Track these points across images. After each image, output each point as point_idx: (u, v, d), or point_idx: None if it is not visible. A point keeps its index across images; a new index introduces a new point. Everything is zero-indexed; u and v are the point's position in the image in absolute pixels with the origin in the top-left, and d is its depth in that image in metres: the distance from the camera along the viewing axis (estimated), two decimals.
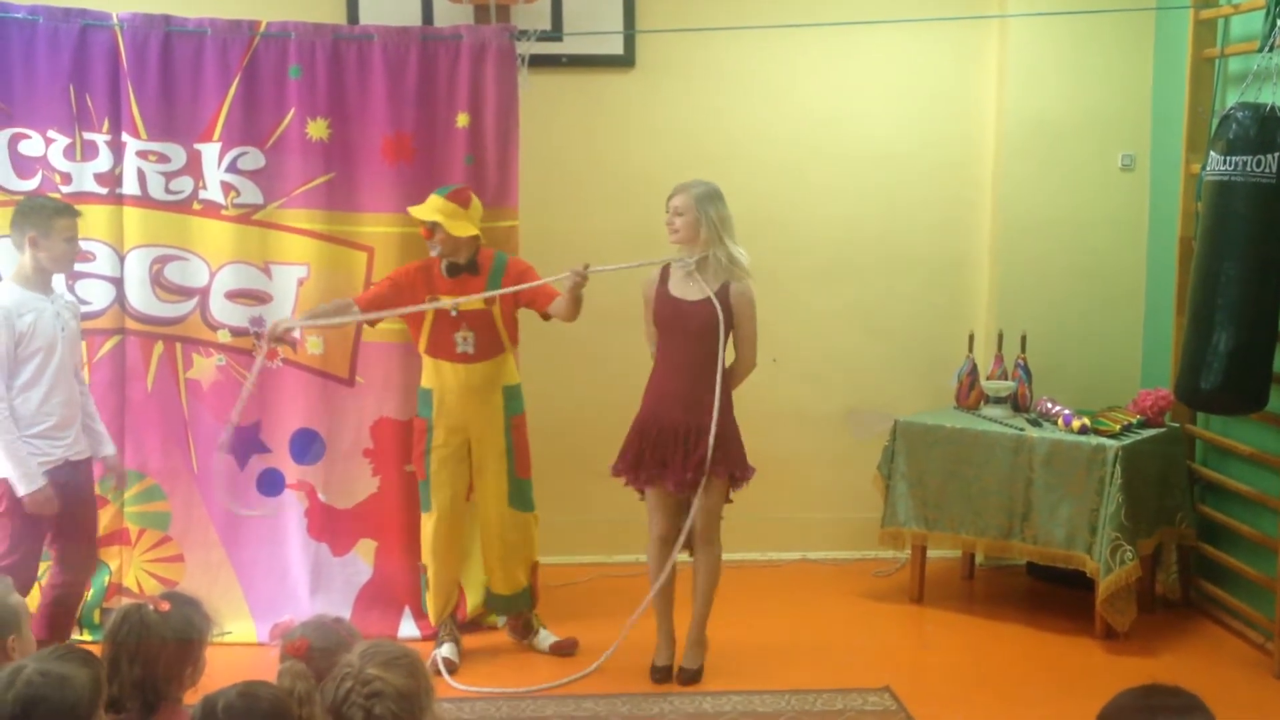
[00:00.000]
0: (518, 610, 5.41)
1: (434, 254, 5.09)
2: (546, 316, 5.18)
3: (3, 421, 4.44)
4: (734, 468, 4.99)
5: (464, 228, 5.01)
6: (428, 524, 5.24)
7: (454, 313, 5.08)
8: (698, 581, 5.10)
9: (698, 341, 4.90)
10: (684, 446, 4.91)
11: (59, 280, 4.93)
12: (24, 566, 4.54)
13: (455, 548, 5.33)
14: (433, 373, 5.19)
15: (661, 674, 5.05)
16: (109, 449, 4.92)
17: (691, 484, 4.90)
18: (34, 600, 4.72)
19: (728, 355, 4.96)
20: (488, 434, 5.19)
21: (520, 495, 5.28)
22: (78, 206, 4.81)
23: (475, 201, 5.11)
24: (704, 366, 4.91)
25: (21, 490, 4.47)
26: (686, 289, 4.94)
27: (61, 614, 4.68)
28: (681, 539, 4.96)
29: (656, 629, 5.13)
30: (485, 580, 5.45)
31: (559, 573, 6.16)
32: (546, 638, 5.41)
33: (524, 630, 5.45)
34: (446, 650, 5.18)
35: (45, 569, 4.78)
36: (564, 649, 5.35)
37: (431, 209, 5.02)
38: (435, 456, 5.18)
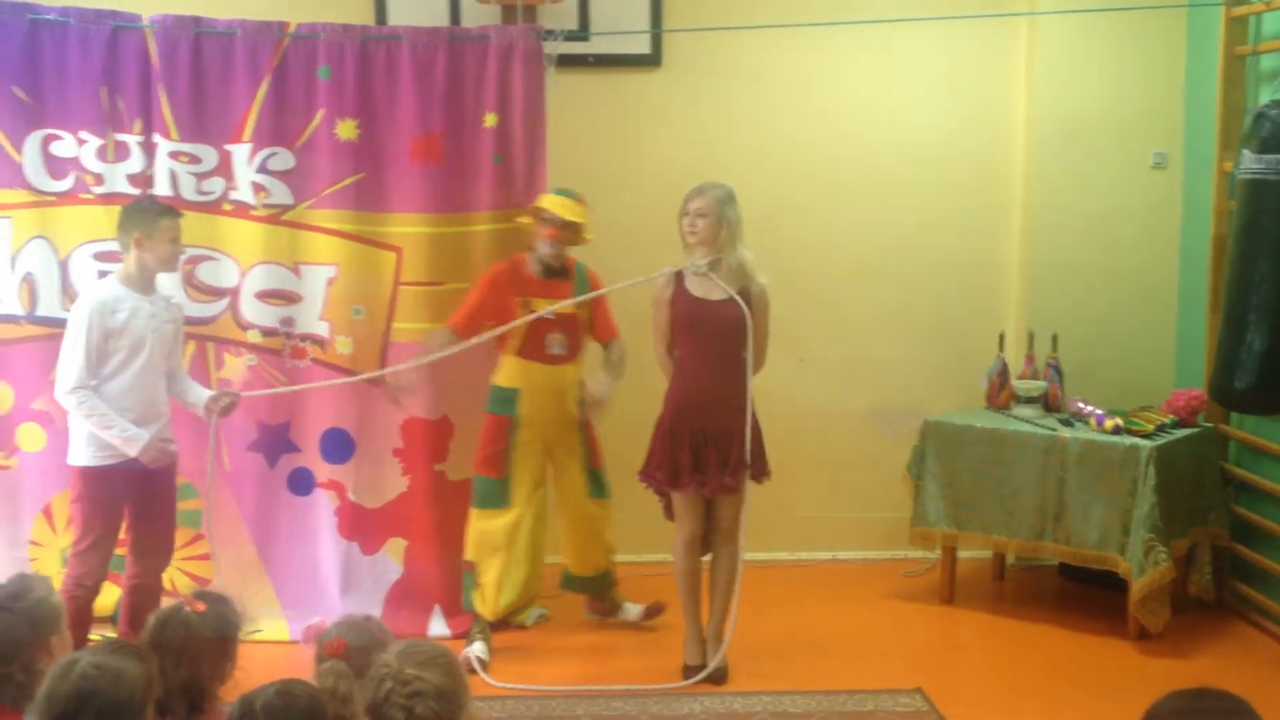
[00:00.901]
0: (600, 591, 5.58)
1: (546, 253, 5.20)
2: (602, 344, 5.43)
3: (90, 402, 4.53)
4: (761, 469, 5.02)
5: (588, 231, 5.20)
6: (495, 520, 5.26)
7: (551, 316, 5.15)
8: (718, 580, 5.10)
9: (725, 342, 4.91)
10: (718, 449, 4.91)
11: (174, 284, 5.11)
12: (98, 553, 4.65)
13: (534, 542, 5.37)
14: (521, 373, 5.26)
15: (693, 672, 5.04)
16: (207, 391, 5.00)
17: (730, 487, 4.91)
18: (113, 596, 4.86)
19: None
20: (566, 432, 5.30)
21: (597, 484, 5.44)
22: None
23: None
24: (731, 366, 4.92)
25: (133, 452, 4.57)
26: (707, 290, 4.93)
27: (139, 607, 4.68)
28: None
29: (685, 629, 5.13)
30: (565, 565, 5.61)
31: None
32: (632, 609, 5.60)
33: (609, 609, 5.61)
34: (478, 649, 5.18)
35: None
36: (653, 613, 5.56)
37: (572, 210, 5.12)
38: (519, 454, 5.26)
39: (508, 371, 5.29)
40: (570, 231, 5.18)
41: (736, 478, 4.92)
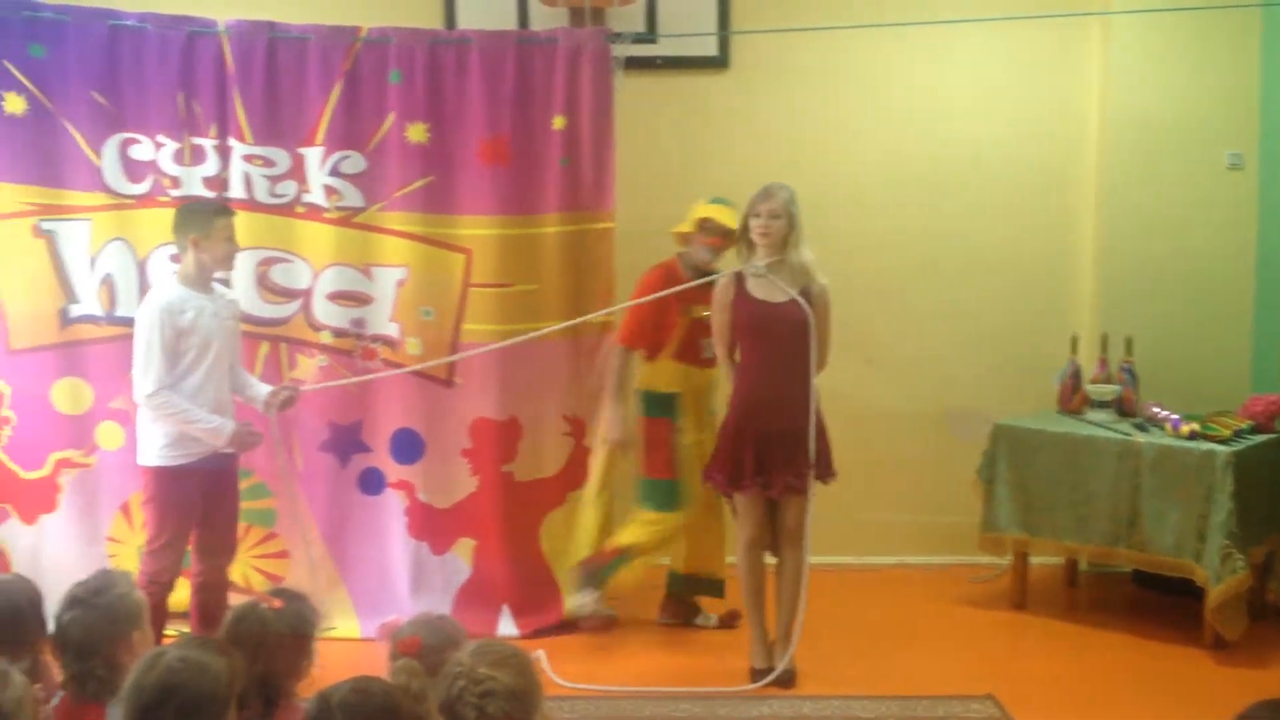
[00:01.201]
0: (699, 594, 5.61)
1: (704, 259, 5.28)
2: None
3: (172, 401, 4.60)
4: (826, 469, 5.02)
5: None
6: (666, 522, 5.36)
7: (704, 318, 5.18)
8: (784, 583, 5.08)
9: (788, 343, 4.90)
10: (783, 450, 4.90)
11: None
12: (172, 551, 4.71)
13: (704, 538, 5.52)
14: (679, 377, 5.36)
15: (760, 675, 5.03)
16: (266, 386, 5.06)
17: (794, 488, 4.90)
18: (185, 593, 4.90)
19: None
20: (707, 433, 5.33)
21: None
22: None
23: None
24: (796, 368, 4.91)
25: (221, 443, 4.66)
26: (769, 291, 4.93)
27: (208, 603, 4.77)
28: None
29: (750, 631, 5.13)
30: (673, 567, 5.65)
31: (653, 574, 6.16)
32: (709, 616, 5.62)
33: (686, 614, 5.64)
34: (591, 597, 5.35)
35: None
36: (729, 621, 5.57)
37: (732, 219, 5.12)
38: (688, 455, 5.35)
39: (666, 376, 5.36)
40: (730, 239, 5.18)
41: (801, 479, 4.92)
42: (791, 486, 4.91)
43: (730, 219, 5.15)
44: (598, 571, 5.35)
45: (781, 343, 4.91)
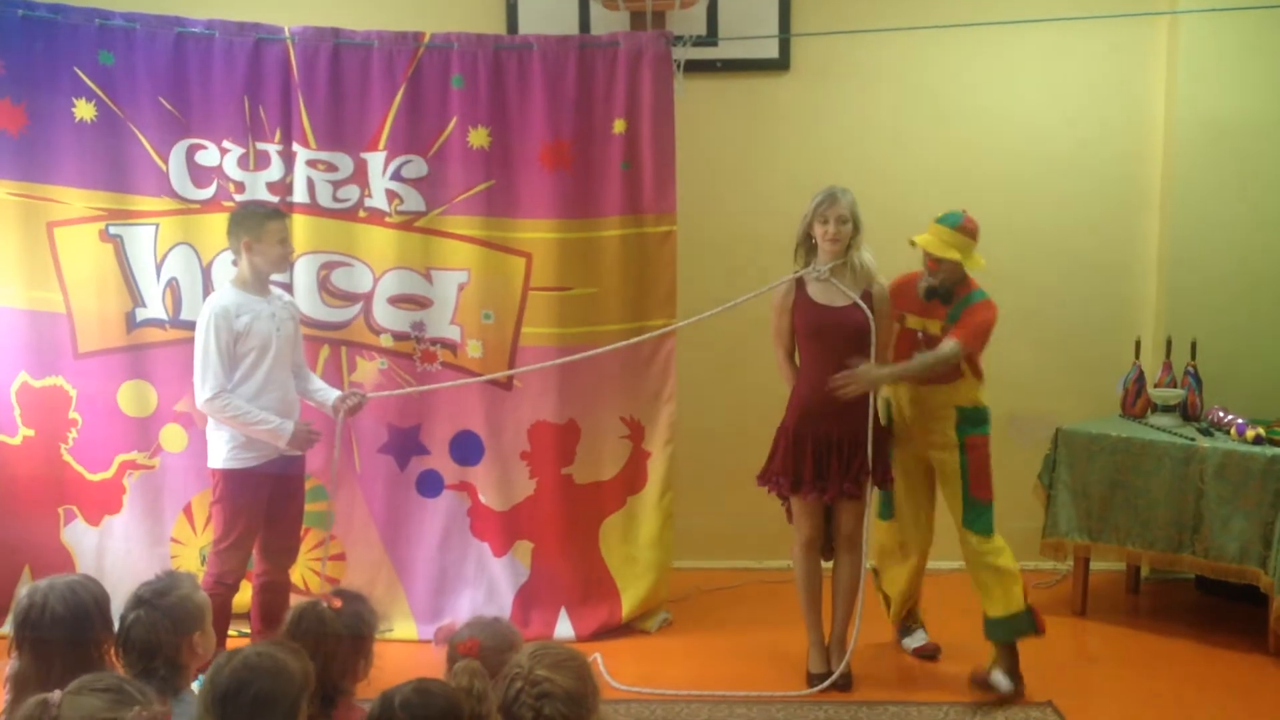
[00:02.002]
0: (1017, 634, 4.99)
1: (929, 282, 4.98)
2: None
3: (232, 404, 4.64)
4: (883, 475, 4.99)
5: (975, 261, 4.94)
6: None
7: (920, 335, 5.02)
8: (840, 587, 5.06)
9: (848, 348, 4.87)
10: (840, 456, 4.89)
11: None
12: (239, 552, 4.77)
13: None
14: (894, 388, 5.15)
15: (817, 680, 5.02)
16: (334, 390, 5.09)
17: (851, 494, 4.89)
18: (247, 594, 4.95)
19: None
20: (943, 453, 5.07)
21: (973, 517, 5.01)
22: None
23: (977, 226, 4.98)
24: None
25: (282, 444, 4.70)
26: (830, 295, 4.91)
27: (270, 604, 4.82)
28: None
29: (807, 636, 5.12)
30: None
31: (709, 577, 6.20)
32: (916, 640, 5.41)
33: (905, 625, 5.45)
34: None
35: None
36: (925, 652, 5.34)
37: (946, 245, 4.89)
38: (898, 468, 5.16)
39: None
40: (947, 265, 4.92)
41: (858, 486, 4.90)
42: (847, 492, 4.90)
43: (935, 247, 4.90)
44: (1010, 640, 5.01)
45: (840, 347, 4.88)
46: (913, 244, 4.96)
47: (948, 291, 4.99)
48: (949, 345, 4.87)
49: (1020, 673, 4.95)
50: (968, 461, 5.02)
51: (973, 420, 5.05)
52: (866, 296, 4.89)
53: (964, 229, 4.89)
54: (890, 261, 5.02)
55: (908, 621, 5.48)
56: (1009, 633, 4.99)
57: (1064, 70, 6.31)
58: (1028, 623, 4.99)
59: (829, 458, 4.90)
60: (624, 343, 5.43)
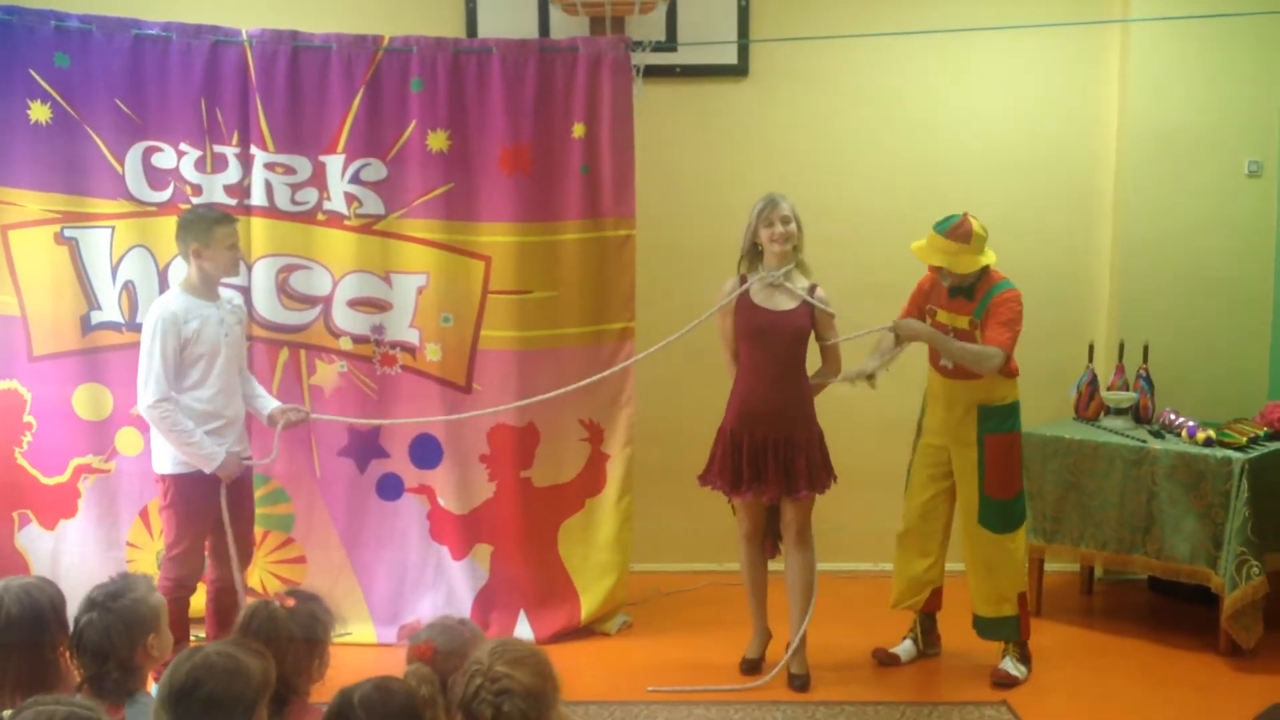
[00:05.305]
0: (1001, 637, 5.15)
1: (946, 284, 5.03)
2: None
3: (172, 416, 4.59)
4: (822, 479, 5.01)
5: (968, 264, 4.93)
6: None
7: (951, 331, 5.03)
8: (791, 587, 5.08)
9: (786, 351, 4.94)
10: (777, 459, 4.93)
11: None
12: (192, 556, 4.74)
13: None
14: (929, 381, 5.22)
15: (750, 665, 5.10)
16: (275, 401, 5.06)
17: (795, 499, 4.93)
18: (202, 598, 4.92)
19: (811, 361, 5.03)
20: (962, 449, 5.11)
21: (990, 514, 5.05)
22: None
23: (977, 228, 4.93)
24: (793, 376, 4.96)
25: (209, 469, 4.65)
26: (772, 300, 4.96)
27: (224, 608, 4.80)
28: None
29: (751, 623, 5.18)
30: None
31: (668, 579, 6.22)
32: (910, 649, 5.38)
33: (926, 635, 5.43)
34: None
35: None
36: (883, 657, 5.32)
37: (934, 250, 4.95)
38: (915, 459, 5.28)
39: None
40: (944, 270, 4.96)
41: (795, 489, 4.92)
42: (791, 497, 4.93)
43: (924, 254, 4.98)
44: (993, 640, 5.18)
45: (778, 350, 4.94)
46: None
47: (969, 288, 5.04)
48: (993, 351, 4.88)
49: (1030, 653, 5.17)
50: (985, 460, 5.05)
51: (996, 418, 5.06)
52: (811, 291, 4.96)
53: (953, 233, 4.92)
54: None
55: (914, 630, 5.43)
56: (991, 633, 5.15)
57: (1020, 78, 6.38)
58: (1012, 629, 5.11)
59: (765, 459, 4.93)
60: (622, 364, 5.52)
